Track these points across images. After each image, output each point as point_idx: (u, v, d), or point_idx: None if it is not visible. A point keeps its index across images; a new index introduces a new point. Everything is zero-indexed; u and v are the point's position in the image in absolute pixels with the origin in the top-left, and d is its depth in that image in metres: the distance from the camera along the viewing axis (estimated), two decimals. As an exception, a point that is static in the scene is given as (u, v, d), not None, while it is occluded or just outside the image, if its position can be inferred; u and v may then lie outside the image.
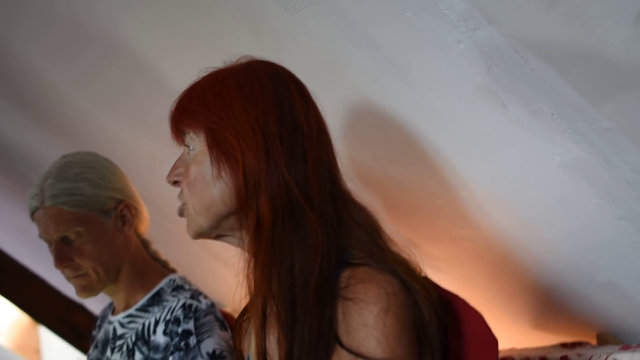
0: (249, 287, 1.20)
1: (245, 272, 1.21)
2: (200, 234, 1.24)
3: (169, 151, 2.16)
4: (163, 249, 1.91)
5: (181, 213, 1.27)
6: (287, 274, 1.13)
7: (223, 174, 1.18)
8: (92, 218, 1.72)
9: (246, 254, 1.22)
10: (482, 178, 1.46)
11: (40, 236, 1.74)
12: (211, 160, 1.19)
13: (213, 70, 1.26)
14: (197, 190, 1.21)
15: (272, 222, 1.14)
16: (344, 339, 1.10)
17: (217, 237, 1.26)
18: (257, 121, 1.16)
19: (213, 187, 1.19)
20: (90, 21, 1.96)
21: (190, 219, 1.24)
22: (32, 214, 1.74)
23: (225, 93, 1.19)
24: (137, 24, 1.86)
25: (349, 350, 1.08)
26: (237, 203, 1.18)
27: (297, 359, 1.10)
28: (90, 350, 1.90)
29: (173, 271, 1.85)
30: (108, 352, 1.77)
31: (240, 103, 1.18)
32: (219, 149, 1.18)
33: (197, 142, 1.21)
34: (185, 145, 1.25)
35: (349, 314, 1.10)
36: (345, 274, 1.14)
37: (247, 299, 1.34)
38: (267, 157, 1.15)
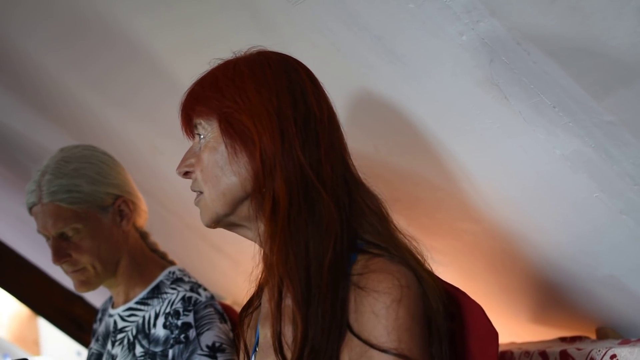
0: (265, 270, 1.20)
1: (261, 256, 1.21)
2: (216, 222, 1.24)
3: (169, 143, 2.16)
4: (162, 240, 1.91)
5: (197, 202, 1.26)
6: (302, 254, 1.14)
7: (239, 157, 1.18)
8: (90, 214, 1.72)
9: (261, 242, 1.22)
10: (483, 171, 1.46)
11: (39, 231, 1.74)
12: (226, 144, 1.19)
13: (223, 60, 1.26)
14: (211, 176, 1.21)
15: (288, 204, 1.15)
16: (355, 327, 1.11)
17: (231, 226, 1.26)
18: (272, 104, 1.17)
19: (229, 171, 1.19)
20: (90, 10, 1.96)
21: (205, 207, 1.24)
22: (30, 209, 1.74)
23: (238, 78, 1.20)
24: (135, 15, 1.85)
25: (359, 338, 1.09)
26: (253, 186, 1.18)
27: (312, 339, 1.11)
28: (92, 344, 1.90)
29: (172, 263, 1.85)
30: (109, 346, 1.77)
31: (254, 87, 1.18)
32: (234, 132, 1.18)
33: (209, 130, 1.22)
34: (197, 134, 1.25)
35: (361, 303, 1.11)
36: (360, 261, 1.15)
37: (251, 291, 1.34)
38: (283, 139, 1.16)
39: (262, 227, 1.21)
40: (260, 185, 1.17)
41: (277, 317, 1.17)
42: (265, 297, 1.31)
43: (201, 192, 1.24)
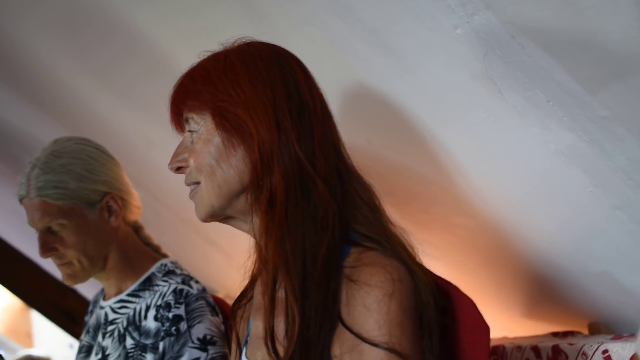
0: (260, 264, 1.20)
1: (255, 250, 1.21)
2: (212, 215, 1.23)
3: (163, 135, 2.16)
4: (155, 233, 1.91)
5: (193, 195, 1.25)
6: (300, 247, 1.14)
7: (236, 150, 1.17)
8: (76, 210, 1.72)
9: (256, 235, 1.21)
10: (477, 165, 1.46)
11: (29, 223, 1.74)
12: (221, 138, 1.18)
13: (212, 52, 1.25)
14: (206, 166, 1.20)
15: (285, 197, 1.14)
16: (346, 320, 1.11)
17: (226, 219, 1.25)
18: (266, 96, 1.17)
19: (225, 165, 1.19)
20: (87, 3, 1.95)
21: (201, 200, 1.22)
22: (20, 200, 1.75)
23: (231, 70, 1.19)
24: (133, 6, 1.85)
25: (351, 331, 1.09)
26: (251, 178, 1.17)
27: (306, 332, 1.11)
28: (82, 336, 1.90)
29: (165, 256, 1.85)
30: (99, 338, 1.77)
31: (247, 79, 1.18)
32: (230, 125, 1.17)
33: (201, 124, 1.21)
34: (188, 131, 1.24)
35: (353, 296, 1.11)
36: (353, 254, 1.15)
37: (243, 284, 1.34)
38: (279, 132, 1.16)
39: (257, 220, 1.20)
40: (258, 178, 1.17)
41: (271, 312, 1.17)
42: (258, 290, 1.31)
43: (197, 183, 1.23)
